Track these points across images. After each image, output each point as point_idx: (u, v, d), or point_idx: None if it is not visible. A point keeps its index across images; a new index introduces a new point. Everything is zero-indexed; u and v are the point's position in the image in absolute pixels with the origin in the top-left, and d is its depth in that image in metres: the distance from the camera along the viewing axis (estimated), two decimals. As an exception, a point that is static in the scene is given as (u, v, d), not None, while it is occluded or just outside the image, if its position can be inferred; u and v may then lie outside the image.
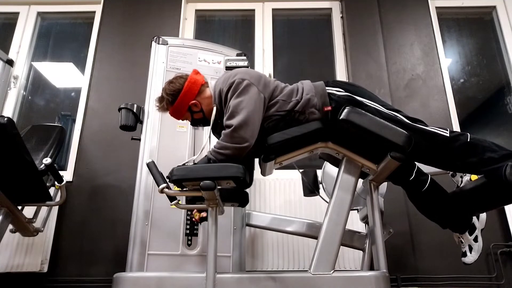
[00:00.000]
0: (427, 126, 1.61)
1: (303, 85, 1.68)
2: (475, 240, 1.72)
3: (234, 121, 1.50)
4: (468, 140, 1.56)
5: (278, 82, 1.71)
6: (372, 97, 1.66)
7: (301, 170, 2.26)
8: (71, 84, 3.46)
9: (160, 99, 1.72)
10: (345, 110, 1.50)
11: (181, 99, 1.66)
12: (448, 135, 1.58)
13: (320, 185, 2.25)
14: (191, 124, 1.77)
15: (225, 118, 1.56)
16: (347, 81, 3.09)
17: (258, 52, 3.34)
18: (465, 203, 1.70)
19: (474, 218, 1.74)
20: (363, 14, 3.31)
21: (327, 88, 1.64)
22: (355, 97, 1.61)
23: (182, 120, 1.76)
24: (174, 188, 1.53)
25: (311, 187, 2.21)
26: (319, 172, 2.28)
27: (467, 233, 1.72)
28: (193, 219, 1.80)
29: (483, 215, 1.77)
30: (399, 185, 1.78)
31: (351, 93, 1.62)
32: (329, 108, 1.60)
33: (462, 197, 1.73)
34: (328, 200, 1.82)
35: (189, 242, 2.10)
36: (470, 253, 1.71)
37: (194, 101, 1.68)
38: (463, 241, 1.74)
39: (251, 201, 2.67)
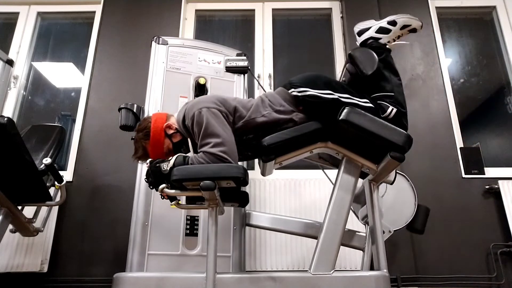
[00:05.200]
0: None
1: (268, 98, 1.67)
2: None
3: (220, 152, 1.49)
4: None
5: (239, 99, 1.71)
6: (327, 82, 1.64)
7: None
8: (71, 84, 3.46)
9: (136, 148, 1.72)
10: (345, 110, 1.50)
11: (154, 128, 1.67)
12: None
13: None
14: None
15: (208, 147, 1.52)
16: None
17: (258, 52, 3.34)
18: None
19: None
20: (363, 14, 3.30)
21: (290, 91, 1.64)
22: (313, 92, 1.59)
23: (167, 157, 1.66)
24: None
25: None
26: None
27: None
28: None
29: None
30: None
31: (309, 88, 1.61)
32: (300, 108, 1.62)
33: None
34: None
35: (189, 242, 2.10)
36: None
37: (167, 123, 1.69)
38: None
39: (251, 201, 2.67)
